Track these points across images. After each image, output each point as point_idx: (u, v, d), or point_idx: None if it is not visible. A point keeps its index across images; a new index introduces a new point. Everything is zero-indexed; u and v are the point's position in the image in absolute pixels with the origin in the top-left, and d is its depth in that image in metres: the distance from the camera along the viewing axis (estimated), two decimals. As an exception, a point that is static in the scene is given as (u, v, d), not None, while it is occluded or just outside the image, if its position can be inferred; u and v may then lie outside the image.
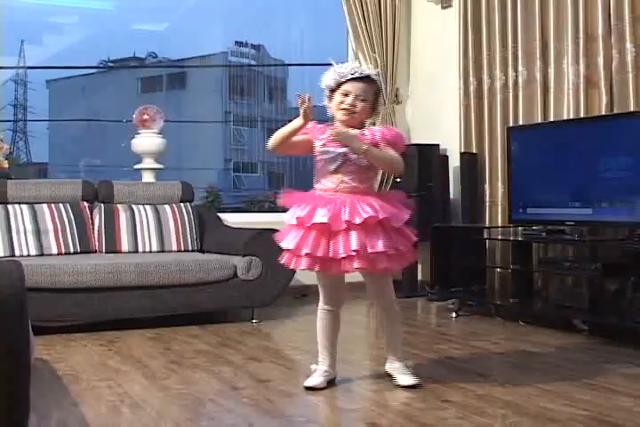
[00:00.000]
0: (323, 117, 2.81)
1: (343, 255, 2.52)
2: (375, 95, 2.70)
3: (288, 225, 2.65)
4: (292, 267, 2.67)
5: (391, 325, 2.82)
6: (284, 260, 2.68)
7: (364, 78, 2.65)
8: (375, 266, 2.57)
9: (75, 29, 15.62)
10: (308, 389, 2.66)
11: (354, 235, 2.52)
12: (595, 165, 3.75)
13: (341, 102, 2.64)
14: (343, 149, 2.61)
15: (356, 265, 2.53)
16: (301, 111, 2.58)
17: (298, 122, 2.62)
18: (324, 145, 2.66)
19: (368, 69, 2.70)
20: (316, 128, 2.69)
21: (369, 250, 2.52)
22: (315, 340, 2.81)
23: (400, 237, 2.62)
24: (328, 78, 2.67)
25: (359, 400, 2.64)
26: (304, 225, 2.57)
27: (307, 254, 2.56)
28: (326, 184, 2.66)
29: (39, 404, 2.46)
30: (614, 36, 3.96)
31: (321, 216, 2.54)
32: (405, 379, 2.71)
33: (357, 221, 2.52)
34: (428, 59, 5.46)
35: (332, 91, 2.68)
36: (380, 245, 2.53)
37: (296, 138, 2.67)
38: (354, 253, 2.52)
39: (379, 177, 2.65)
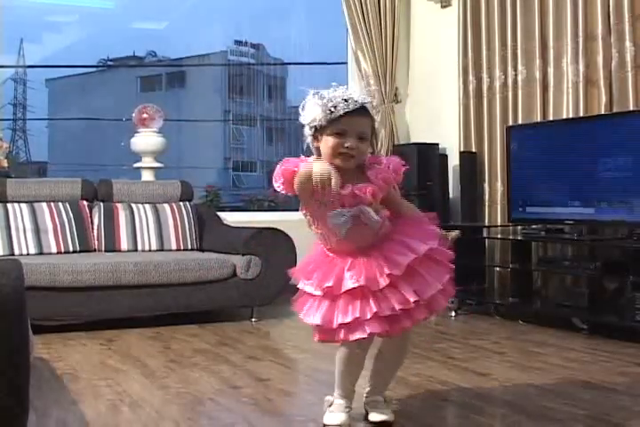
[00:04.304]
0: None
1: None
2: (372, 129, 2.14)
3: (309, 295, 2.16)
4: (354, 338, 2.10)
5: (400, 360, 2.38)
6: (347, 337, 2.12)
7: (361, 110, 2.07)
8: (434, 307, 2.16)
9: (74, 28, 15.62)
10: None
11: (404, 286, 2.08)
12: (594, 165, 3.75)
13: (338, 145, 2.06)
14: (355, 210, 2.08)
15: (421, 316, 2.12)
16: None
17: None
18: (334, 204, 2.08)
19: (360, 95, 2.09)
20: None
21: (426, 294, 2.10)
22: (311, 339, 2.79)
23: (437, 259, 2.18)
24: (314, 113, 2.05)
25: (359, 400, 2.64)
26: (332, 294, 2.10)
27: (375, 315, 2.06)
28: (339, 246, 2.16)
29: (38, 403, 2.45)
30: (614, 36, 3.96)
31: (351, 282, 2.07)
32: (378, 416, 2.31)
33: (398, 271, 2.07)
34: (427, 58, 5.46)
35: (319, 128, 2.08)
36: (434, 282, 2.11)
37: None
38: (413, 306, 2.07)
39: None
